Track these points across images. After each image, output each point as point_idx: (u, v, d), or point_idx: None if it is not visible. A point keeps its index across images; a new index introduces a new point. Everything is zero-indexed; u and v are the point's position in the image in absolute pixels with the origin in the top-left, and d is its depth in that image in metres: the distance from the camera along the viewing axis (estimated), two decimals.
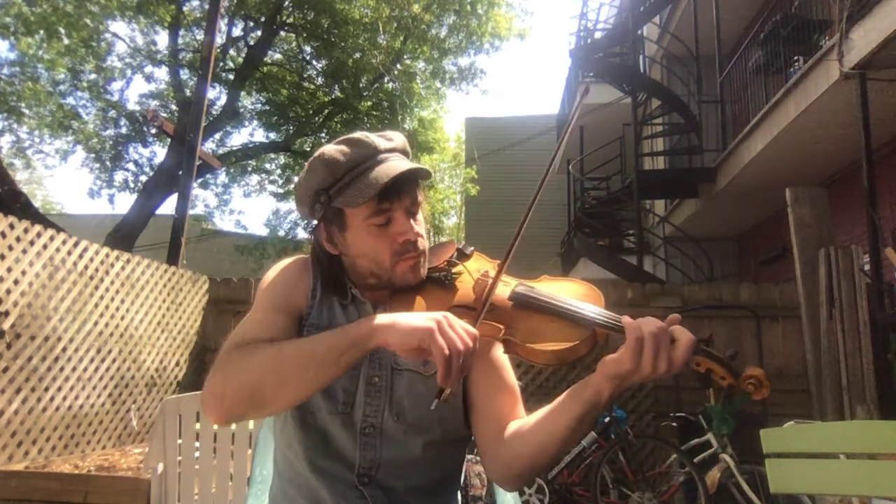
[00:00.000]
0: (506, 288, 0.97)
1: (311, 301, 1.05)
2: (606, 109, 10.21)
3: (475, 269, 1.05)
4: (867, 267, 4.36)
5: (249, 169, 13.69)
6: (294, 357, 0.85)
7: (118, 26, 27.72)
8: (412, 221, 1.01)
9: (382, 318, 0.84)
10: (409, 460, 0.99)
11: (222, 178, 13.46)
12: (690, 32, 8.48)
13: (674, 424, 4.16)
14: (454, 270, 1.05)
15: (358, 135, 1.02)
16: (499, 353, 1.03)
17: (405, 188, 0.99)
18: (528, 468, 0.92)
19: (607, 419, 4.12)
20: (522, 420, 0.96)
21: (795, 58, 5.96)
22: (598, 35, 9.68)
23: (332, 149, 1.00)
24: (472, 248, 1.10)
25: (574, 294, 0.96)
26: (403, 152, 1.05)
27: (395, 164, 0.98)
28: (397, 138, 1.05)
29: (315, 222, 1.06)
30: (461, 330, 0.81)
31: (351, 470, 0.98)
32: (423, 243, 1.02)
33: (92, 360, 3.92)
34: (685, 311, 4.71)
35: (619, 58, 9.04)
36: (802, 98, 5.18)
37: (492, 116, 16.50)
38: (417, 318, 0.82)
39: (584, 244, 8.51)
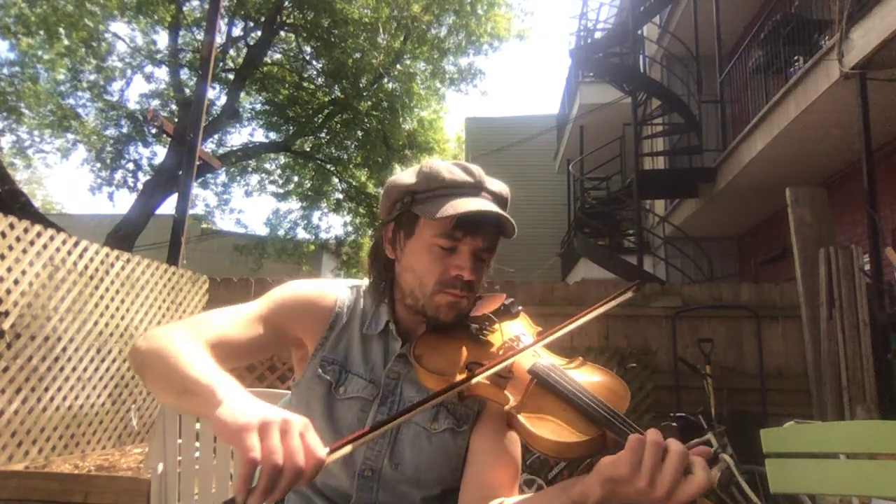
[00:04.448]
0: (532, 360, 0.91)
1: (326, 332, 1.03)
2: (606, 109, 10.22)
3: (512, 329, 1.01)
4: (867, 267, 4.36)
5: (249, 169, 13.70)
6: (169, 367, 0.82)
7: (118, 26, 27.76)
8: (475, 265, 0.99)
9: (230, 393, 0.74)
10: None
11: (222, 177, 13.48)
12: (690, 32, 8.48)
13: (674, 424, 4.16)
14: (490, 326, 1.01)
15: (472, 166, 1.02)
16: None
17: (484, 230, 0.98)
18: None
19: None
20: (509, 500, 0.89)
21: (795, 58, 5.96)
22: (598, 35, 9.67)
23: (443, 164, 1.01)
24: (520, 308, 1.07)
25: (601, 387, 0.87)
26: (503, 203, 1.03)
27: (489, 205, 0.97)
28: (506, 190, 1.05)
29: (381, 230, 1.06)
30: (297, 444, 0.66)
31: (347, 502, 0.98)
32: (474, 291, 1.00)
33: (92, 360, 3.92)
34: (685, 311, 4.72)
35: (619, 58, 9.04)
36: (802, 98, 5.18)
37: (492, 116, 16.51)
38: (251, 409, 0.69)
39: (584, 244, 8.51)
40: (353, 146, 12.50)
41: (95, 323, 3.95)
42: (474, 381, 0.84)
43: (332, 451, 0.70)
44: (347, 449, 0.72)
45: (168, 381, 0.82)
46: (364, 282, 1.13)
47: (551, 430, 0.81)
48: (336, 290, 1.08)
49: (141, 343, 0.88)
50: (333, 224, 18.75)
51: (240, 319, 0.98)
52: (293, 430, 0.67)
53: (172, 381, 0.81)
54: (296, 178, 13.83)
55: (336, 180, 13.07)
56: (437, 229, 0.96)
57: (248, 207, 44.67)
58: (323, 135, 12.76)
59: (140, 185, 11.17)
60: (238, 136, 41.06)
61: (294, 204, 13.88)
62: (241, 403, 0.71)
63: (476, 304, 1.04)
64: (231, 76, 11.57)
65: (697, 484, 0.69)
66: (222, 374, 0.79)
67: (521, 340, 0.96)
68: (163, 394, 0.84)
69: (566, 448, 0.79)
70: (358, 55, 11.20)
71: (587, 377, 0.90)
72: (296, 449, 0.66)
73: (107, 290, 4.05)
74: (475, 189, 1.00)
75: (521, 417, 0.83)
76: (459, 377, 0.89)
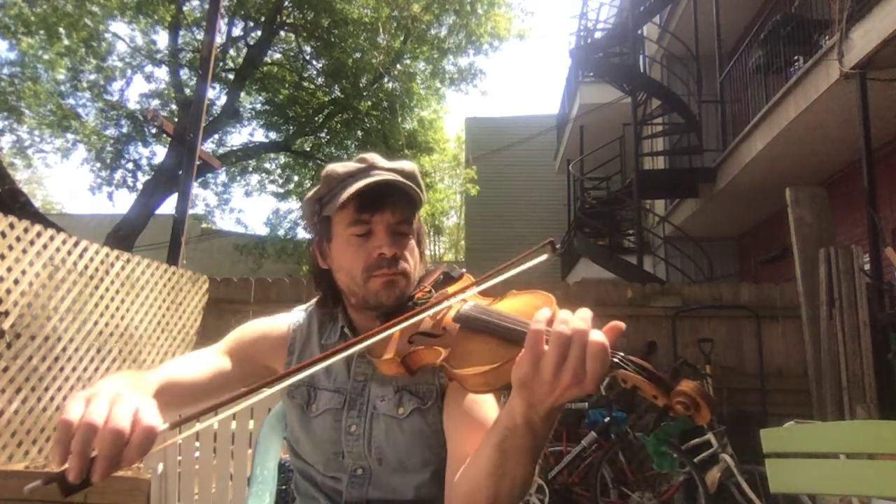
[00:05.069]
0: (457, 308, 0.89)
1: (288, 357, 1.08)
2: (606, 109, 10.22)
3: (454, 291, 0.99)
4: (867, 267, 4.36)
5: (249, 168, 13.70)
6: None
7: (118, 26, 27.74)
8: (394, 240, 0.99)
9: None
10: (399, 501, 0.99)
11: (222, 177, 13.48)
12: (690, 32, 8.49)
13: (674, 424, 4.16)
14: (429, 295, 1.01)
15: (368, 154, 1.04)
16: None
17: (389, 203, 0.99)
18: None
19: (607, 419, 4.12)
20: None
21: (795, 58, 5.96)
22: (598, 35, 9.68)
23: (336, 164, 1.04)
24: (464, 270, 1.06)
25: (525, 307, 0.84)
26: (406, 176, 1.03)
27: (383, 177, 0.98)
28: (406, 165, 1.05)
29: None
30: (124, 411, 0.62)
31: (339, 499, 1.01)
32: (405, 266, 1.00)
33: (92, 360, 3.92)
34: (685, 311, 4.72)
35: (619, 58, 9.04)
36: (802, 98, 5.18)
37: (492, 116, 16.51)
38: (88, 394, 0.66)
39: (584, 244, 8.52)
40: (353, 146, 12.49)
41: (95, 323, 3.95)
42: (390, 332, 0.83)
43: (176, 424, 0.67)
44: (194, 427, 0.68)
45: None
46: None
47: (475, 364, 0.77)
48: (289, 316, 1.13)
49: None
50: None
51: (197, 360, 1.02)
52: (125, 400, 0.64)
53: None
54: (296, 178, 13.81)
55: None
56: (346, 220, 0.99)
57: (248, 207, 44.59)
58: (323, 135, 12.75)
59: (140, 185, 11.17)
60: (238, 136, 41.03)
61: (294, 204, 13.87)
62: (87, 393, 0.67)
63: (420, 284, 1.05)
64: (231, 76, 11.57)
65: (597, 356, 0.63)
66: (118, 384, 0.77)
67: (445, 294, 0.96)
68: None
69: (491, 375, 0.75)
70: (358, 55, 11.19)
71: (511, 304, 0.87)
72: (121, 415, 0.62)
73: (107, 290, 4.04)
74: (366, 171, 1.01)
75: (451, 366, 0.81)
76: (400, 350, 0.89)
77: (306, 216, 1.07)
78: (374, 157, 1.03)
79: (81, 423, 0.60)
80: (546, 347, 0.64)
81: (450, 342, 0.86)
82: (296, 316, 1.13)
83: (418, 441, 0.98)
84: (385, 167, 1.02)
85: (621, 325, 0.66)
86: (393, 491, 0.99)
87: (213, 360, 1.03)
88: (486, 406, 0.94)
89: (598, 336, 0.64)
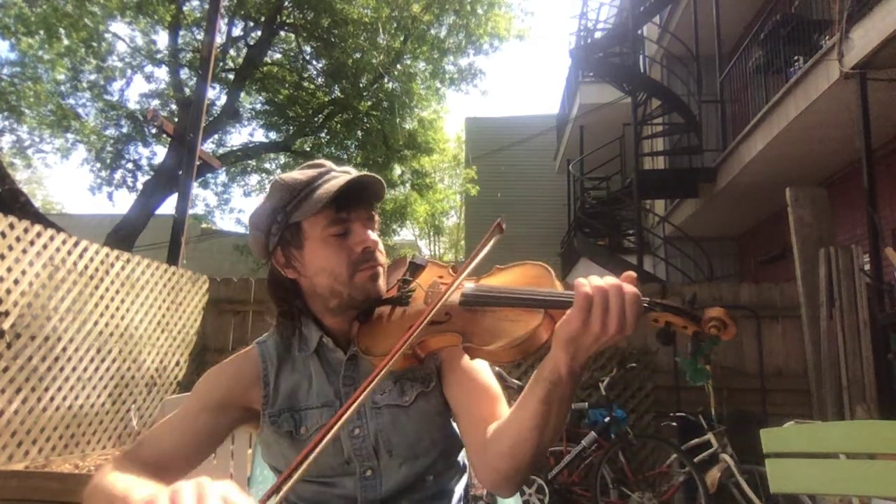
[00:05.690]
0: (458, 291, 0.94)
1: (264, 389, 1.04)
2: (606, 109, 10.22)
3: (429, 279, 1.05)
4: (867, 267, 4.36)
5: (249, 169, 13.70)
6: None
7: (118, 26, 27.74)
8: (370, 231, 1.03)
9: (146, 491, 0.79)
10: (412, 484, 1.01)
11: (222, 177, 13.50)
12: (690, 32, 8.49)
13: (674, 424, 4.17)
14: (409, 287, 1.04)
15: (318, 160, 1.07)
16: (468, 357, 1.01)
17: (363, 199, 1.02)
18: (512, 467, 0.87)
19: (607, 419, 4.12)
20: (502, 418, 0.95)
21: (795, 58, 5.96)
22: (598, 35, 9.67)
23: (291, 172, 1.05)
24: (426, 258, 1.10)
25: (524, 278, 0.92)
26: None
27: (351, 175, 1.01)
28: (353, 171, 1.07)
29: (271, 261, 1.06)
30: (214, 496, 0.60)
31: None
32: (382, 256, 1.04)
33: (92, 360, 3.92)
34: None
35: (619, 58, 9.04)
36: (802, 98, 5.18)
37: (492, 116, 16.51)
38: (164, 488, 0.64)
39: (584, 244, 8.52)
40: (353, 146, 12.49)
41: (95, 323, 3.95)
42: (415, 335, 0.86)
43: (268, 496, 0.67)
44: (283, 489, 0.68)
45: None
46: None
47: (504, 337, 0.84)
48: (253, 348, 1.10)
49: (84, 494, 0.92)
50: None
51: (175, 426, 1.01)
52: (209, 489, 0.61)
53: None
54: None
55: None
56: (324, 221, 0.99)
57: (247, 207, 44.57)
58: (323, 135, 12.76)
59: (140, 185, 11.17)
60: (238, 136, 41.08)
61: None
62: (154, 490, 0.71)
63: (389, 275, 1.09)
64: (231, 76, 11.57)
65: (633, 303, 0.75)
66: (141, 484, 0.82)
67: (439, 284, 1.01)
68: None
69: (525, 343, 0.82)
70: (358, 55, 11.18)
71: (506, 278, 0.95)
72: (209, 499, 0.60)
73: (107, 290, 4.04)
74: (326, 174, 1.03)
75: (476, 345, 0.87)
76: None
77: (261, 229, 1.03)
78: (328, 163, 1.06)
79: None
80: (594, 300, 0.75)
81: (460, 324, 0.91)
82: (261, 345, 1.10)
83: (425, 424, 1.02)
84: (341, 169, 1.06)
85: (633, 273, 0.79)
86: (405, 478, 1.00)
87: (193, 425, 1.00)
88: (484, 372, 1.03)
89: (630, 287, 0.76)
